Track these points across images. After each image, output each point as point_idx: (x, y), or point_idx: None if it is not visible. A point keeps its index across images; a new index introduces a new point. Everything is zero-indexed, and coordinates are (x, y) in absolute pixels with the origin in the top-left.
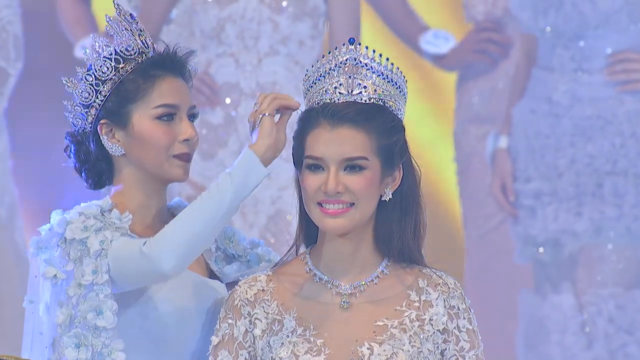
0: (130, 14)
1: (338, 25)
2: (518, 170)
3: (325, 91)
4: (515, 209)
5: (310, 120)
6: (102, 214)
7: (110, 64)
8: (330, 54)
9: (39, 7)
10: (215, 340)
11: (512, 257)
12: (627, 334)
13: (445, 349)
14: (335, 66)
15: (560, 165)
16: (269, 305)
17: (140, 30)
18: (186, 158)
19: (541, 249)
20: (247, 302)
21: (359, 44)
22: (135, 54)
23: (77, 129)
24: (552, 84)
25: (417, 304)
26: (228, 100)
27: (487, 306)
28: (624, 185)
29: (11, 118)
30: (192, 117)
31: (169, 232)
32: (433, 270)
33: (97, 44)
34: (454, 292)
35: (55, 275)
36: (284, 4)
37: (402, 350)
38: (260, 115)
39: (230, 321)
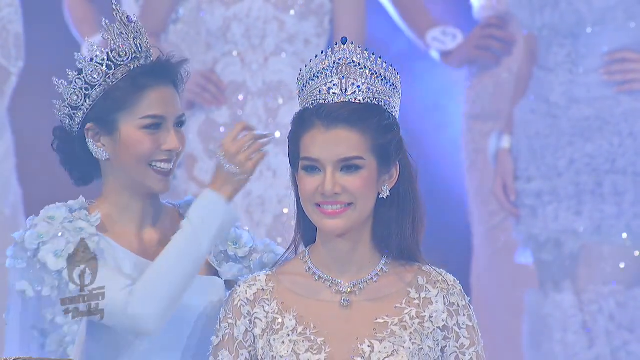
0: (128, 16)
1: (343, 24)
2: (519, 170)
3: (319, 91)
4: (516, 209)
5: (304, 121)
6: (72, 215)
7: (102, 70)
8: (323, 53)
9: (40, 5)
10: (215, 340)
11: (516, 256)
12: (628, 332)
13: (446, 346)
14: (329, 66)
15: (560, 165)
16: (269, 305)
17: (137, 32)
18: (166, 172)
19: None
20: (247, 302)
21: (352, 43)
22: (127, 59)
23: (64, 126)
24: (551, 83)
25: (416, 302)
26: (241, 97)
27: (493, 304)
28: (623, 183)
29: (14, 116)
30: (180, 124)
31: (150, 290)
32: (433, 267)
33: (90, 48)
34: (453, 289)
35: (25, 291)
36: (290, 2)
37: (403, 347)
38: (240, 176)
39: (230, 321)
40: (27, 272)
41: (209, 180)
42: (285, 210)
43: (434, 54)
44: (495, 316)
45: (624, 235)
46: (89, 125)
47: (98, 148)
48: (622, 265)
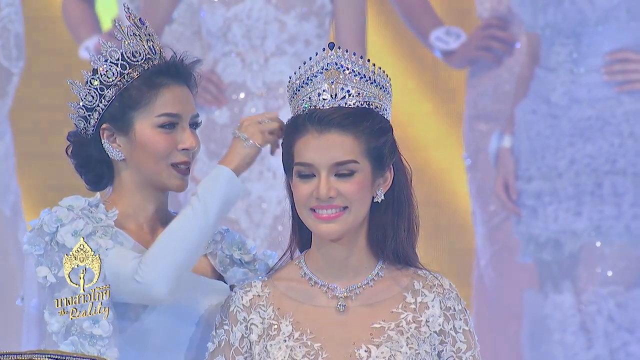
0: (140, 18)
1: (344, 25)
2: (520, 170)
3: (309, 98)
4: (518, 208)
5: (297, 127)
6: (90, 208)
7: (116, 70)
8: (312, 60)
9: (40, 6)
10: (211, 346)
11: (516, 256)
12: (628, 333)
13: (442, 350)
14: (318, 72)
15: (560, 165)
16: (264, 311)
17: (149, 35)
18: (184, 170)
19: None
20: (242, 308)
21: (339, 48)
22: (141, 60)
23: (78, 130)
24: (552, 83)
25: (413, 306)
26: (242, 95)
27: (493, 304)
28: (622, 184)
29: (14, 116)
30: (194, 125)
31: (159, 257)
32: (428, 271)
33: (104, 47)
34: (449, 294)
35: (46, 276)
36: (291, 3)
37: (400, 352)
38: (250, 142)
39: (226, 327)
40: (44, 258)
41: None
42: (280, 228)
43: (437, 54)
44: (495, 316)
45: (623, 236)
46: (104, 125)
47: (114, 149)
48: (621, 266)
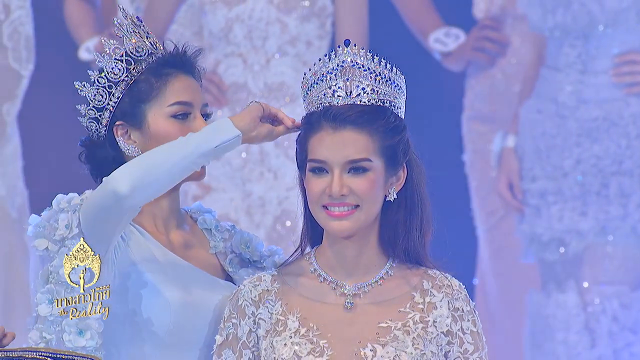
0: (137, 17)
1: (345, 26)
2: (524, 170)
3: (324, 95)
4: (522, 206)
5: (311, 123)
6: None
7: (122, 66)
8: (327, 56)
9: (50, 8)
10: (219, 339)
11: (518, 256)
12: (631, 333)
13: (449, 351)
14: (333, 69)
15: (566, 165)
16: (273, 306)
17: (147, 33)
18: None
19: (562, 249)
20: (251, 302)
21: (355, 45)
22: (145, 54)
23: (91, 134)
24: (560, 84)
25: (421, 306)
26: (236, 98)
27: (495, 303)
28: (629, 185)
29: (23, 119)
30: (205, 116)
31: (130, 160)
32: (439, 271)
33: (107, 45)
34: (458, 294)
35: (47, 247)
36: (292, 4)
37: (405, 352)
38: (255, 101)
39: (234, 321)
40: (45, 232)
41: (209, 182)
42: (279, 228)
43: (436, 56)
44: (497, 316)
45: (629, 237)
46: (117, 123)
47: (129, 145)
48: (626, 267)
